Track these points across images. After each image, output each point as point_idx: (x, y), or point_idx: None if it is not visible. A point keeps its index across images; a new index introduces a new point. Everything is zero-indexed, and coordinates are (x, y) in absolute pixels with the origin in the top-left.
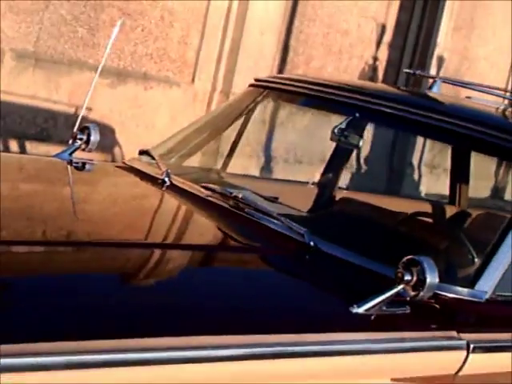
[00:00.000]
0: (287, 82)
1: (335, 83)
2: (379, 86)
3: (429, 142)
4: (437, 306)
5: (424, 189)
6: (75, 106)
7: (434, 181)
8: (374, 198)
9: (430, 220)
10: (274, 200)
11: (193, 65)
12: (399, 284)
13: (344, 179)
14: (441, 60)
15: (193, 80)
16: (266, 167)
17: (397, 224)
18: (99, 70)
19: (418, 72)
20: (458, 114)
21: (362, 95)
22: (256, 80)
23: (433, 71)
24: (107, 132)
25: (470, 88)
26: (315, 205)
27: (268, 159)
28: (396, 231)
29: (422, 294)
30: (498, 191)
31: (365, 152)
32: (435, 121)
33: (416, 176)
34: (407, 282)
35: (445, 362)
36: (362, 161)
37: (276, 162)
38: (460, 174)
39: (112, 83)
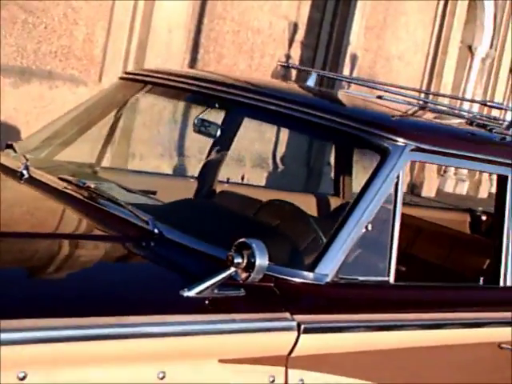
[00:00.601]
0: (156, 74)
1: (199, 75)
2: (247, 78)
3: None
4: (275, 288)
5: None
6: None
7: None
8: (251, 191)
9: (285, 208)
10: (135, 192)
11: (99, 63)
12: (230, 267)
13: (225, 173)
14: (354, 58)
15: (100, 79)
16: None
17: (250, 212)
18: None
19: (291, 65)
20: (321, 106)
21: (223, 86)
22: (126, 73)
23: (346, 70)
24: (12, 132)
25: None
26: (181, 196)
27: (140, 152)
28: (247, 219)
29: (252, 276)
30: (414, 187)
31: (281, 151)
32: (297, 112)
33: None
34: (238, 265)
35: (276, 343)
36: (278, 160)
37: (145, 154)
38: (341, 167)
39: (15, 82)
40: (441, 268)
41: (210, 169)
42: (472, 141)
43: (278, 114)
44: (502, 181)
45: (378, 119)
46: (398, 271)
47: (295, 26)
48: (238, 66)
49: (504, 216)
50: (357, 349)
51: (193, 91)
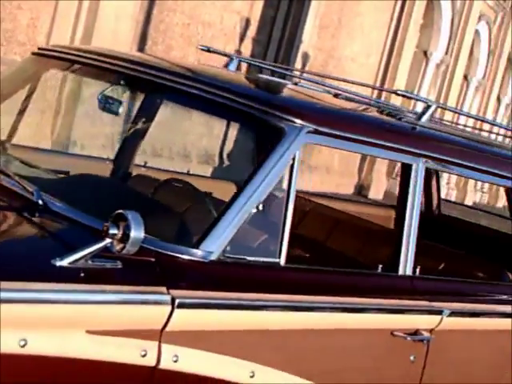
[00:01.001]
0: (68, 51)
1: (109, 52)
2: (157, 58)
3: None
4: (156, 263)
5: None
6: None
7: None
8: (166, 175)
9: (180, 187)
10: (37, 167)
11: None
12: (105, 238)
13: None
14: (306, 57)
15: None
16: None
17: (148, 191)
18: None
19: (212, 49)
20: (225, 87)
21: (128, 63)
22: (39, 48)
23: (298, 67)
24: None
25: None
26: (79, 173)
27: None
28: (136, 195)
29: (127, 247)
30: (362, 189)
31: (228, 147)
32: (201, 91)
33: None
34: (113, 236)
35: (150, 317)
36: (224, 156)
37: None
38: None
39: None
40: (347, 257)
41: (126, 151)
42: (375, 127)
43: (182, 93)
44: (405, 170)
45: (277, 100)
46: (299, 256)
47: (247, 22)
48: (186, 59)
49: (406, 204)
50: (235, 328)
51: (103, 68)
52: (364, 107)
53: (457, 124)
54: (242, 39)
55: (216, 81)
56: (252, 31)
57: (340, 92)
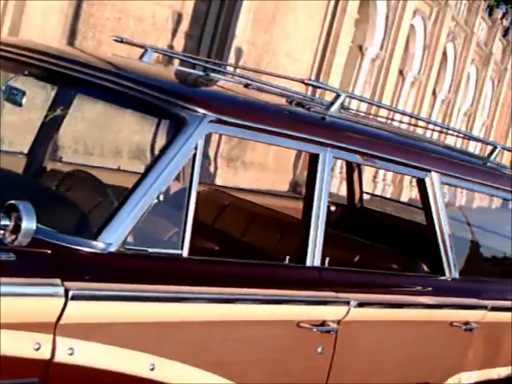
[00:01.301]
0: None
1: (17, 42)
2: (67, 49)
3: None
4: (52, 255)
5: (220, 181)
6: None
7: (231, 174)
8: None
9: (82, 178)
10: None
11: None
12: None
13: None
14: (239, 52)
15: None
16: None
17: (52, 183)
18: None
19: (125, 40)
20: (129, 77)
21: (34, 53)
22: None
23: (231, 62)
24: None
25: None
26: None
27: None
28: (37, 187)
29: (19, 239)
30: (297, 185)
31: (160, 142)
32: (105, 81)
33: (212, 168)
34: (5, 227)
35: (43, 309)
36: (156, 151)
37: None
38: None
39: None
40: (258, 249)
41: (39, 145)
42: (281, 117)
43: (88, 84)
44: (312, 159)
45: (180, 89)
46: (207, 249)
47: (179, 16)
48: (117, 54)
49: (313, 195)
50: (134, 320)
51: (7, 58)
52: (273, 97)
53: (392, 120)
54: (174, 34)
55: (122, 71)
56: (185, 25)
57: (250, 82)
